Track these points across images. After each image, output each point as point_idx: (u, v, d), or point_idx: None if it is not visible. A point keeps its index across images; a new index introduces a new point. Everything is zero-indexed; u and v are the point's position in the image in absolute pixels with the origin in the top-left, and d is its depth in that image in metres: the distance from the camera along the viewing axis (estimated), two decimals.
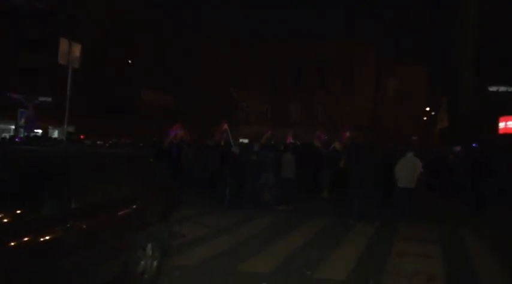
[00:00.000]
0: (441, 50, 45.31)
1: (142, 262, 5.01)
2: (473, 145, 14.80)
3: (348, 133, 14.57)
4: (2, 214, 3.38)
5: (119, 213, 4.73)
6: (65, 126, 10.45)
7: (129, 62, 25.72)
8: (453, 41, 42.97)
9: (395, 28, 49.38)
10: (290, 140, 18.14)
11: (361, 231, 9.13)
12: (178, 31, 27.84)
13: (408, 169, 10.34)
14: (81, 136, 23.94)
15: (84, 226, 4.04)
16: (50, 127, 29.19)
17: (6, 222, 3.39)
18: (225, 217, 9.91)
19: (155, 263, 5.28)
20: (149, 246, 5.10)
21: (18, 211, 3.49)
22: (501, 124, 29.88)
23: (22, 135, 21.40)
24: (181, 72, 27.70)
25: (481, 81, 38.13)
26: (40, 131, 27.27)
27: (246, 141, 26.07)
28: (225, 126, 13.76)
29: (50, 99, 25.90)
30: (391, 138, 30.46)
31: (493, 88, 33.95)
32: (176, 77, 27.40)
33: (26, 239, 3.42)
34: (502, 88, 33.78)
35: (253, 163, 11.20)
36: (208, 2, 30.03)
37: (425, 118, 41.34)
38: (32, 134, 21.61)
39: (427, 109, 41.76)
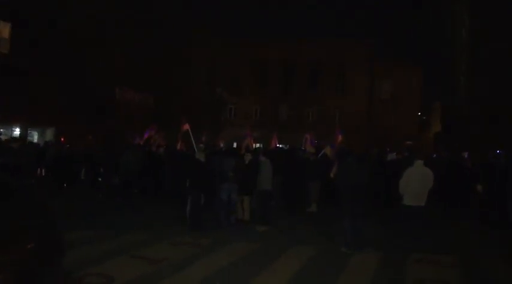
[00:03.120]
0: (435, 52, 43.21)
1: None
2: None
3: (340, 137, 12.08)
4: None
5: None
6: None
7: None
8: (446, 43, 40.89)
9: (389, 29, 47.29)
10: (275, 143, 15.73)
11: (358, 265, 6.63)
12: (163, 28, 25.30)
13: (417, 183, 7.86)
14: (62, 139, 21.56)
15: None
16: (29, 129, 26.45)
17: None
18: (179, 246, 7.34)
19: None
20: None
21: None
22: None
23: None
24: (163, 71, 25.09)
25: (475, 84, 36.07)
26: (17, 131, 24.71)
27: (233, 145, 23.69)
28: (186, 127, 11.24)
29: None
30: (385, 142, 28.07)
31: None
32: (157, 76, 24.81)
33: None
34: None
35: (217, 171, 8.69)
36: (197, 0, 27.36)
37: (423, 117, 39.17)
38: None
39: (419, 114, 39.59)
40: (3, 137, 23.84)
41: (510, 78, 33.51)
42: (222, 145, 17.38)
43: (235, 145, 22.24)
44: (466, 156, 13.24)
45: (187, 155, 9.97)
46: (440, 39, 42.54)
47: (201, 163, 8.42)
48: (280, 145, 21.68)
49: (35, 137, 26.47)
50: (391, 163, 11.75)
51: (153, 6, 25.66)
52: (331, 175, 10.71)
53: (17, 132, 25.78)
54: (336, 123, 30.84)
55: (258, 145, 27.02)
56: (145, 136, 15.22)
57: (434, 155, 16.94)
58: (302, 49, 33.92)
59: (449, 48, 40.58)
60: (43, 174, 15.86)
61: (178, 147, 12.03)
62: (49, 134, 26.69)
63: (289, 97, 34.80)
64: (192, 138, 10.71)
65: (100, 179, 13.86)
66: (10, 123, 24.77)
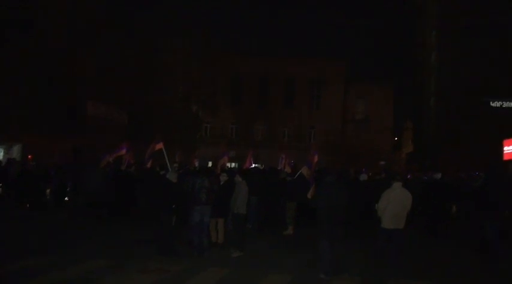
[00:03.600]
0: (406, 73, 44.32)
1: None
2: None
3: (316, 157, 11.79)
4: None
5: None
6: None
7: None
8: (417, 63, 42.03)
9: (364, 48, 48.24)
10: (250, 163, 15.37)
11: None
12: (132, 40, 24.68)
13: (396, 205, 7.61)
14: (29, 157, 20.48)
15: None
16: None
17: None
18: (146, 273, 6.75)
19: None
20: None
21: None
22: (507, 149, 25.14)
23: None
24: (135, 84, 24.37)
25: (445, 104, 37.04)
26: None
27: (209, 164, 23.04)
28: (160, 146, 10.73)
29: None
30: (358, 162, 28.16)
31: (496, 104, 31.92)
32: (129, 90, 24.05)
33: None
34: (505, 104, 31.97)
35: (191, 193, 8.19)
36: (170, 9, 26.88)
37: (395, 138, 39.64)
38: None
39: (392, 134, 40.15)
40: None
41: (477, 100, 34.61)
42: (196, 164, 16.87)
43: (210, 164, 21.72)
44: (439, 176, 13.18)
45: (158, 175, 9.41)
46: (411, 61, 43.67)
47: (171, 184, 7.91)
48: (256, 165, 21.34)
49: (1, 154, 25.11)
50: (365, 184, 11.54)
51: (127, 15, 25.09)
52: (309, 195, 10.42)
53: None
54: (312, 142, 30.87)
55: (233, 164, 26.66)
56: (116, 154, 14.57)
57: (409, 176, 16.94)
58: (278, 65, 33.98)
59: (420, 69, 41.71)
60: (4, 193, 14.95)
61: (148, 165, 11.46)
62: (16, 150, 25.43)
63: (264, 115, 34.63)
64: (166, 157, 10.19)
65: (66, 198, 13.09)
66: None
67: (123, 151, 14.32)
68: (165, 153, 10.25)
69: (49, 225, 10.60)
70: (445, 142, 34.90)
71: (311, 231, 8.18)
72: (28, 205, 13.49)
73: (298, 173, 11.03)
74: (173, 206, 7.92)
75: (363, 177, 11.92)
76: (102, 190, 10.76)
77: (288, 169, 12.11)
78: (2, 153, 25.12)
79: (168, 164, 9.95)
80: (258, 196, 10.08)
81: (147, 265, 7.10)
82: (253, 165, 16.81)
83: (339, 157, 30.13)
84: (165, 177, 8.13)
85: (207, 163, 17.51)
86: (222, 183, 8.49)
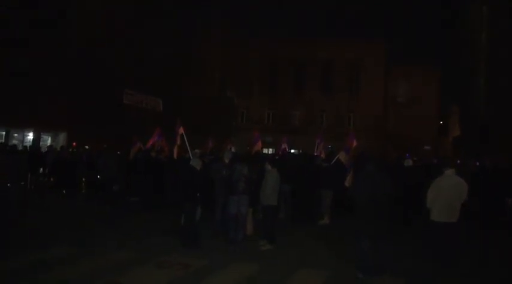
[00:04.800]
0: (453, 54, 41.31)
1: None
2: None
3: (354, 142, 10.73)
4: None
5: None
6: None
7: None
8: (465, 44, 38.97)
9: (405, 29, 45.19)
10: (284, 148, 14.50)
11: None
12: (169, 29, 24.26)
13: (448, 196, 6.50)
14: (74, 144, 20.91)
15: None
16: (42, 133, 25.76)
17: None
18: (166, 268, 6.14)
19: None
20: None
21: None
22: None
23: None
24: (170, 73, 24.03)
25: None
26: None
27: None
28: (181, 130, 10.06)
29: None
30: (401, 147, 26.47)
31: None
32: (165, 79, 23.77)
33: None
34: None
35: (221, 181, 7.46)
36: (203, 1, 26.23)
37: (441, 122, 37.08)
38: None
39: (436, 118, 37.66)
40: (16, 142, 23.32)
41: None
42: (232, 149, 16.19)
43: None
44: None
45: (184, 161, 8.76)
46: (459, 41, 40.59)
47: (196, 171, 7.23)
48: (292, 150, 20.39)
49: (48, 141, 25.83)
50: (412, 171, 10.34)
51: (161, 7, 24.70)
52: (346, 183, 9.47)
53: (30, 136, 25.23)
54: (350, 127, 29.39)
55: (270, 150, 25.83)
56: (150, 142, 14.19)
57: (458, 161, 15.39)
58: (314, 49, 32.38)
59: (468, 50, 38.69)
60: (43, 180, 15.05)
61: (175, 153, 10.89)
62: (61, 138, 26.06)
63: (301, 100, 33.37)
64: (187, 143, 9.54)
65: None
66: (23, 127, 24.22)
67: (156, 138, 13.91)
68: (185, 138, 9.59)
69: (76, 213, 10.30)
70: (495, 126, 32.27)
71: (349, 222, 7.27)
72: (64, 192, 13.44)
73: (335, 159, 10.07)
74: (197, 195, 7.26)
75: (408, 162, 10.71)
76: (110, 178, 10.59)
77: (323, 155, 11.15)
78: (49, 141, 25.91)
79: (189, 150, 9.29)
80: (290, 184, 9.23)
81: (167, 259, 6.50)
82: (290, 151, 15.92)
83: (380, 143, 28.50)
84: (188, 164, 7.44)
85: (243, 150, 16.72)
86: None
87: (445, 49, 42.76)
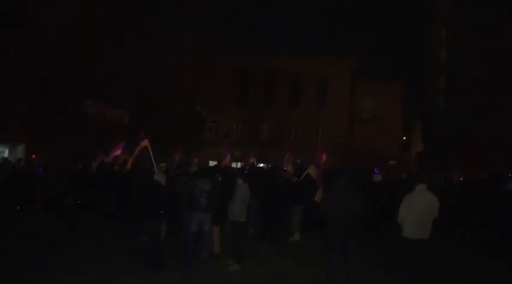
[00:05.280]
0: (415, 70, 42.90)
1: None
2: None
3: (324, 156, 10.60)
4: None
5: None
6: None
7: None
8: (426, 61, 40.57)
9: (371, 45, 46.59)
10: (252, 162, 14.23)
11: None
12: (135, 37, 23.63)
13: (420, 211, 6.39)
14: (33, 156, 19.67)
15: None
16: None
17: None
18: None
19: None
20: None
21: None
22: None
23: None
24: (136, 82, 23.32)
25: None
26: None
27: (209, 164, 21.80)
28: (145, 143, 9.59)
29: None
30: (367, 162, 26.83)
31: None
32: (129, 88, 23.02)
33: None
34: None
35: (185, 197, 7.01)
36: (173, 5, 25.78)
37: (404, 137, 38.00)
38: None
39: (400, 133, 38.65)
40: None
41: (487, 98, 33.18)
42: (195, 161, 15.68)
43: (210, 164, 20.56)
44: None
45: (148, 175, 8.25)
46: (420, 59, 42.26)
47: (159, 186, 6.77)
48: (261, 165, 20.15)
49: (5, 153, 24.35)
50: (380, 186, 10.31)
51: (127, 13, 24.07)
52: (316, 199, 9.25)
53: None
54: (319, 141, 29.55)
55: (238, 164, 25.44)
56: (112, 153, 13.52)
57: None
58: (284, 62, 32.60)
59: (428, 68, 40.29)
60: None
61: (128, 165, 10.34)
62: (20, 151, 24.69)
63: (270, 114, 33.35)
64: (152, 156, 9.06)
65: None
66: None
67: (119, 151, 13.29)
68: (150, 151, 9.11)
69: (31, 231, 9.49)
70: (456, 141, 33.49)
71: (320, 238, 7.01)
72: (19, 208, 12.50)
73: (305, 173, 9.85)
74: (161, 212, 6.79)
75: (377, 177, 10.67)
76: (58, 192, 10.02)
77: (290, 169, 10.93)
78: (6, 153, 24.41)
79: (154, 164, 8.80)
80: (258, 199, 8.90)
81: (129, 282, 5.97)
82: (258, 165, 15.66)
83: (347, 157, 28.79)
84: (152, 179, 6.97)
85: (208, 163, 16.26)
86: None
87: (407, 66, 44.32)
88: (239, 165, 25.83)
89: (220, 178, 7.47)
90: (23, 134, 22.01)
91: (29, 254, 7.26)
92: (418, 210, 6.37)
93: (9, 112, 20.70)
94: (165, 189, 6.87)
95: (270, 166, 19.12)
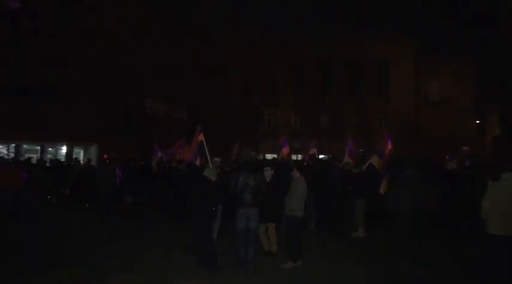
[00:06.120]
0: (490, 47, 38.96)
1: None
2: None
3: (389, 144, 9.65)
4: None
5: None
6: None
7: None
8: (504, 34, 36.53)
9: (437, 22, 42.42)
10: (313, 153, 13.52)
11: None
12: (189, 32, 23.84)
13: (509, 203, 5.38)
14: (105, 155, 20.83)
15: None
16: (74, 146, 25.97)
17: None
18: None
19: None
20: None
21: None
22: None
23: None
24: (194, 79, 23.58)
25: None
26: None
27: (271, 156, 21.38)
28: (201, 137, 9.29)
29: None
30: (437, 150, 24.80)
31: None
32: (188, 85, 23.33)
33: None
34: None
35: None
36: (223, 3, 25.64)
37: (477, 121, 34.74)
38: None
39: (473, 117, 35.34)
40: (50, 156, 23.51)
41: None
42: (252, 154, 15.30)
43: (269, 157, 20.11)
44: None
45: (199, 172, 7.97)
46: (493, 32, 38.23)
47: (209, 182, 6.43)
48: (322, 156, 19.32)
49: (80, 154, 26.00)
50: (455, 175, 9.10)
51: (179, 12, 24.37)
52: (381, 191, 8.43)
53: (63, 150, 25.47)
54: (382, 129, 27.91)
55: (299, 157, 24.80)
56: (170, 151, 13.64)
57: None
58: (340, 49, 31.11)
59: (504, 41, 36.28)
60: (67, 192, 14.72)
61: (197, 162, 10.14)
62: (93, 151, 26.18)
63: (328, 103, 32.10)
64: (207, 151, 8.79)
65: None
66: (56, 141, 24.48)
67: (177, 148, 13.36)
68: (205, 145, 8.84)
69: (79, 228, 9.60)
70: None
71: (387, 234, 6.23)
72: (87, 206, 13.01)
73: (367, 164, 9.03)
74: (213, 209, 6.45)
75: (451, 164, 9.49)
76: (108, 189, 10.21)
77: (350, 160, 10.11)
78: (82, 153, 26.08)
79: (209, 158, 8.52)
80: (313, 192, 8.27)
81: (180, 281, 5.70)
82: (319, 157, 14.91)
83: (414, 145, 26.85)
84: (202, 175, 6.64)
85: (256, 156, 15.74)
86: (268, 180, 6.81)
87: (478, 43, 40.27)
88: (299, 157, 25.23)
89: (269, 171, 6.92)
90: (95, 135, 23.34)
91: (81, 252, 7.31)
92: (505, 202, 5.37)
93: (82, 114, 22.00)
94: (215, 184, 6.50)
95: (330, 157, 18.29)
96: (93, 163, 18.39)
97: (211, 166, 7.51)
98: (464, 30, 51.55)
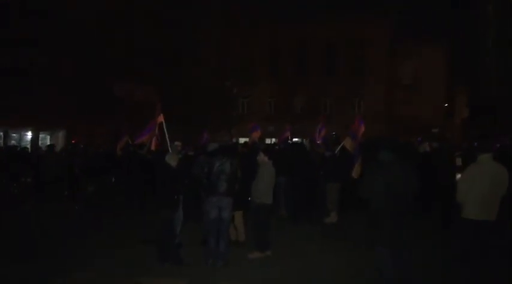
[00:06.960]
0: (461, 30, 39.29)
1: None
2: None
3: (362, 127, 9.31)
4: None
5: None
6: None
7: None
8: (475, 19, 36.96)
9: (409, 4, 42.03)
10: (287, 137, 13.08)
11: None
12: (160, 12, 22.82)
13: (486, 186, 5.09)
14: (73, 141, 19.90)
15: None
16: (40, 132, 24.76)
17: None
18: None
19: None
20: None
21: None
22: None
23: None
24: (163, 59, 22.61)
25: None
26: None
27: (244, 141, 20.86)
28: (160, 118, 8.68)
29: None
30: (409, 130, 24.94)
31: None
32: (157, 65, 22.37)
33: None
34: None
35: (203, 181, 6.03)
36: None
37: (445, 104, 35.16)
38: None
39: (443, 100, 35.76)
40: (14, 142, 22.29)
41: None
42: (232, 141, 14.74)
43: (241, 141, 19.63)
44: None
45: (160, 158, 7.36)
46: (465, 16, 38.56)
47: (169, 169, 5.86)
48: (295, 139, 18.97)
49: (47, 140, 24.83)
50: (428, 157, 8.82)
51: None
52: (353, 174, 8.10)
53: (28, 136, 24.25)
54: (356, 112, 27.80)
55: (273, 140, 24.44)
56: (141, 135, 12.87)
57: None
58: (314, 30, 30.50)
59: (474, 25, 36.75)
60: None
61: (152, 146, 9.52)
62: (61, 137, 25.06)
63: (303, 85, 31.62)
64: (166, 135, 8.18)
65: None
66: (21, 127, 23.31)
67: (147, 133, 12.62)
68: (165, 128, 8.24)
69: (44, 221, 8.88)
70: (508, 103, 30.54)
71: (360, 220, 5.88)
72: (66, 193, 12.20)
73: (340, 146, 8.66)
74: (175, 198, 5.91)
75: (423, 147, 9.24)
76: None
77: (320, 142, 9.75)
78: (48, 139, 24.93)
79: (168, 143, 7.91)
80: (285, 176, 7.86)
81: (140, 280, 5.18)
82: (292, 140, 14.54)
83: (386, 127, 26.91)
84: (162, 161, 6.06)
85: (231, 141, 15.24)
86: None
87: (452, 27, 40.47)
88: (273, 140, 24.86)
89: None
90: (62, 120, 22.29)
91: (44, 247, 6.68)
92: (482, 185, 5.08)
93: (49, 99, 20.91)
94: (177, 171, 5.94)
95: (304, 140, 17.96)
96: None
97: (170, 151, 6.91)
98: (438, 12, 51.79)
